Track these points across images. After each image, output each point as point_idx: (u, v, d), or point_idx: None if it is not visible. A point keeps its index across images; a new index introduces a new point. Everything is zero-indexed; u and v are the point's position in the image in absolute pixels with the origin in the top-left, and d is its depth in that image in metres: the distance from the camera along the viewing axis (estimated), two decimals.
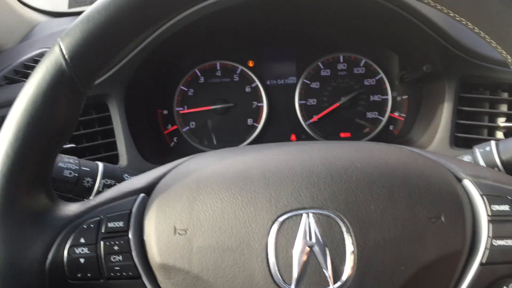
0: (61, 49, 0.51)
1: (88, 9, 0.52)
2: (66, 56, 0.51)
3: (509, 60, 0.52)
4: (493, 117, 1.02)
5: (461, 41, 0.97)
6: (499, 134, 1.01)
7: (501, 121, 1.00)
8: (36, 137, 0.52)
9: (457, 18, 0.52)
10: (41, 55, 1.13)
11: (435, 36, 0.98)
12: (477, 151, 0.75)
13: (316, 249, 0.51)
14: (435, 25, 0.97)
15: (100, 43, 0.52)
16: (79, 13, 1.48)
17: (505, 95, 1.01)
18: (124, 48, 0.55)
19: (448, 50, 0.99)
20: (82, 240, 0.54)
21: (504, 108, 1.01)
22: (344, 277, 0.51)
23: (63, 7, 1.48)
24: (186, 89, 1.24)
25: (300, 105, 1.24)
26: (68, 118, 0.54)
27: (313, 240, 0.52)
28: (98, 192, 0.74)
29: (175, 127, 1.25)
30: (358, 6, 1.01)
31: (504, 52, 0.52)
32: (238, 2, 0.97)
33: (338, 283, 0.51)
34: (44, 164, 0.55)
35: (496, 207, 0.54)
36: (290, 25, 1.17)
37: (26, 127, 0.51)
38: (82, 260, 0.54)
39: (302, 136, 1.24)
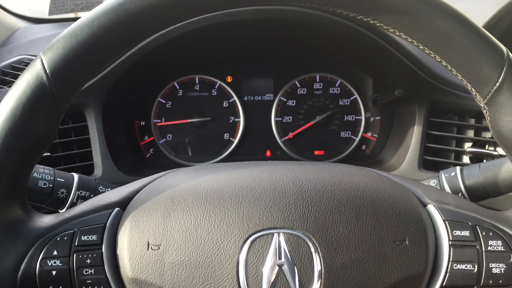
0: (42, 63, 0.52)
1: (72, 25, 0.53)
2: (48, 71, 0.51)
3: (473, 92, 0.55)
4: (460, 141, 1.06)
5: (432, 69, 1.02)
6: (465, 159, 1.05)
7: (468, 146, 1.04)
8: (13, 149, 0.52)
9: (426, 51, 0.55)
10: (20, 62, 1.13)
11: (408, 62, 1.02)
12: (443, 176, 0.78)
13: (285, 268, 0.53)
14: (408, 53, 1.01)
15: (82, 60, 0.52)
16: (59, 20, 1.49)
17: (472, 121, 1.05)
18: (105, 65, 0.56)
19: (419, 76, 1.03)
20: (55, 253, 0.55)
21: (470, 133, 1.05)
22: None
23: (44, 14, 1.47)
24: (164, 101, 1.25)
25: (276, 122, 1.26)
26: (46, 131, 0.54)
27: (283, 259, 0.53)
28: (72, 203, 0.74)
29: (151, 138, 1.25)
30: (335, 32, 1.04)
31: (469, 85, 0.55)
32: (218, 21, 0.99)
33: None
34: (20, 177, 0.55)
35: (457, 232, 0.57)
36: (269, 44, 1.20)
37: (4, 139, 0.51)
38: (54, 273, 0.54)
39: (277, 152, 1.27)
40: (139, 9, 0.51)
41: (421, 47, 0.55)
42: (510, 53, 0.52)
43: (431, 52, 0.55)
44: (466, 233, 0.57)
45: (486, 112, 0.55)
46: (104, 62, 0.55)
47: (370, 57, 1.13)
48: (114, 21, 0.52)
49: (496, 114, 0.54)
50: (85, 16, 0.53)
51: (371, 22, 0.54)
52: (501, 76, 0.52)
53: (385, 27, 0.54)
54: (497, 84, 0.52)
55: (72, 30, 0.52)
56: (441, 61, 0.55)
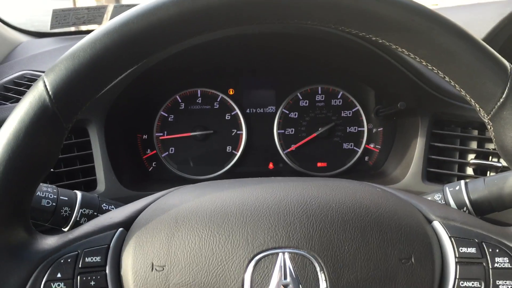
0: (45, 85, 0.52)
1: (74, 46, 0.53)
2: (50, 92, 0.51)
3: (477, 108, 0.55)
4: (463, 153, 1.06)
5: (435, 81, 1.02)
6: (469, 170, 1.05)
7: (471, 158, 1.04)
8: (16, 171, 0.52)
9: (429, 67, 0.55)
10: (22, 77, 1.13)
11: (410, 75, 1.02)
12: (447, 190, 0.77)
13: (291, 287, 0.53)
14: (411, 65, 1.01)
15: (84, 81, 0.52)
16: (60, 34, 1.49)
17: (475, 132, 1.05)
18: (108, 85, 0.56)
19: (421, 89, 1.03)
20: (59, 275, 0.54)
21: (474, 145, 1.05)
22: None
23: (45, 28, 1.48)
24: (166, 115, 1.25)
25: (278, 134, 1.26)
26: (49, 152, 0.54)
27: (288, 279, 0.53)
28: (76, 222, 0.74)
29: (154, 152, 1.25)
30: (337, 45, 1.04)
31: (473, 101, 0.55)
32: (219, 36, 1.00)
33: None
34: (23, 199, 0.55)
35: (463, 249, 0.56)
36: (271, 57, 1.20)
37: (7, 161, 0.51)
38: None
39: (280, 164, 1.27)
40: (141, 29, 0.51)
41: (424, 63, 0.55)
42: None
43: (434, 68, 0.55)
44: (472, 250, 0.56)
45: (490, 128, 0.55)
46: (107, 82, 0.55)
47: (372, 69, 1.13)
48: (116, 42, 0.52)
49: (501, 129, 0.54)
50: (87, 37, 0.53)
51: (374, 39, 0.54)
52: (505, 92, 0.52)
53: (387, 44, 0.54)
54: (501, 100, 0.52)
55: (74, 51, 0.52)
56: (444, 76, 0.55)
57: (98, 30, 0.53)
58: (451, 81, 0.55)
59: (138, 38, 0.52)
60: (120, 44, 0.52)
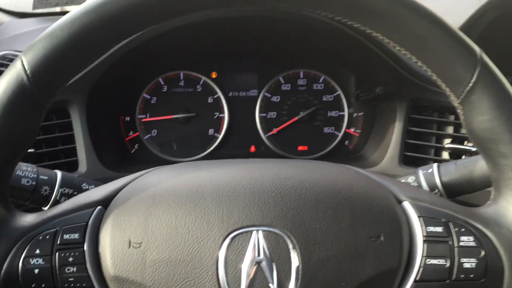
0: (23, 64, 0.52)
1: (52, 25, 0.53)
2: (28, 72, 0.52)
3: (448, 92, 0.56)
4: (440, 138, 1.08)
5: (412, 66, 1.03)
6: (445, 154, 1.07)
7: (447, 142, 1.06)
8: None
9: (403, 52, 0.56)
10: (3, 57, 1.12)
11: (389, 60, 1.03)
12: (421, 172, 0.79)
13: (264, 264, 0.54)
14: (389, 50, 1.02)
15: (62, 60, 0.53)
16: (43, 14, 1.47)
17: (452, 117, 1.07)
18: (87, 65, 0.56)
19: (400, 74, 1.05)
20: (37, 251, 0.55)
21: (450, 130, 1.07)
22: None
23: (28, 8, 1.46)
24: (149, 97, 1.25)
25: (260, 117, 1.27)
26: (27, 131, 0.55)
27: (261, 256, 0.55)
28: (56, 201, 0.74)
29: (136, 134, 1.26)
30: (317, 29, 1.05)
31: (443, 85, 0.56)
32: (202, 19, 1.00)
33: None
34: (1, 177, 0.55)
35: (431, 228, 0.58)
36: (253, 41, 1.21)
37: None
38: (36, 271, 0.55)
39: (261, 148, 1.28)
40: (119, 9, 0.52)
41: (398, 48, 0.56)
42: (483, 54, 0.54)
43: (407, 52, 0.56)
44: (439, 229, 0.58)
45: (460, 111, 0.56)
46: (86, 62, 0.55)
47: (352, 54, 1.14)
48: (94, 21, 0.52)
49: (469, 113, 0.55)
50: (65, 17, 0.53)
51: (349, 23, 0.55)
52: (474, 77, 0.53)
53: (362, 28, 0.56)
54: (470, 85, 0.53)
55: (52, 31, 0.52)
56: (417, 61, 0.56)
57: (76, 9, 0.53)
58: (423, 65, 0.56)
59: (116, 18, 0.52)
60: (98, 24, 0.52)
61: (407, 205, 0.61)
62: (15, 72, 0.52)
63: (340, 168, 0.67)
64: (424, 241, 0.58)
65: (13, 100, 0.52)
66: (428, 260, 0.57)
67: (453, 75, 0.54)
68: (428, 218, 0.59)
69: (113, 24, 0.53)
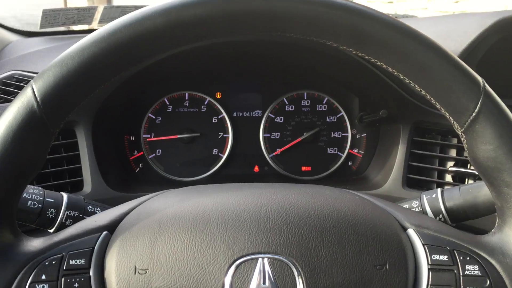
0: (33, 91, 0.53)
1: (62, 54, 0.54)
2: (38, 98, 0.52)
3: (452, 121, 0.57)
4: (443, 160, 1.08)
5: (416, 90, 1.03)
6: (448, 177, 1.07)
7: (450, 165, 1.06)
8: (3, 176, 0.53)
9: (407, 81, 0.57)
10: (11, 77, 1.14)
11: (392, 84, 1.04)
12: (424, 197, 0.80)
13: None
14: (393, 75, 1.02)
15: (72, 88, 0.53)
16: (50, 33, 1.50)
17: (455, 140, 1.08)
18: (95, 91, 0.57)
19: (403, 97, 1.05)
20: (43, 277, 0.56)
21: (453, 153, 1.07)
22: None
23: (35, 27, 1.48)
24: (154, 117, 1.26)
25: (264, 138, 1.28)
26: (36, 157, 0.55)
27: (267, 283, 0.55)
28: (61, 223, 0.75)
29: (141, 153, 1.26)
30: (322, 53, 1.06)
31: (447, 114, 0.57)
32: (208, 43, 1.01)
33: None
34: (9, 201, 0.56)
35: (436, 257, 0.58)
36: (258, 63, 1.22)
37: None
38: None
39: (265, 168, 1.29)
40: (128, 39, 0.53)
41: (401, 77, 0.57)
42: (486, 84, 0.55)
43: (410, 82, 0.57)
44: (444, 257, 0.58)
45: (464, 140, 0.57)
46: (94, 89, 0.56)
47: (356, 78, 1.15)
48: (104, 50, 0.53)
49: (473, 142, 0.56)
50: (75, 45, 0.54)
51: (354, 52, 0.56)
52: (478, 107, 0.54)
53: (366, 57, 0.56)
54: (474, 114, 0.54)
55: (62, 59, 0.53)
56: (420, 90, 0.57)
57: (86, 38, 0.54)
58: (427, 94, 0.57)
59: (125, 47, 0.53)
60: (108, 53, 0.53)
61: (411, 232, 0.62)
62: (25, 98, 0.53)
63: (344, 194, 0.68)
64: (429, 269, 0.58)
65: (23, 127, 0.53)
66: None
67: (456, 105, 0.55)
68: (432, 246, 0.59)
69: (122, 52, 0.54)
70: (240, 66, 1.26)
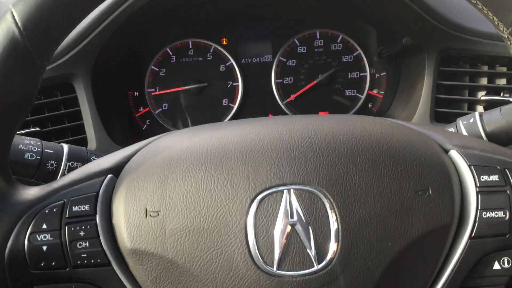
0: (13, 17, 0.46)
1: None
2: (19, 24, 0.46)
3: (495, 22, 0.50)
4: (473, 90, 1.01)
5: (440, 12, 0.95)
6: (479, 108, 1.00)
7: (481, 95, 0.99)
8: None
9: None
10: None
11: (414, 6, 0.96)
12: (461, 123, 0.73)
13: (299, 227, 0.49)
14: None
15: (58, 9, 0.47)
16: None
17: (485, 68, 1.00)
18: (84, 16, 0.50)
19: (427, 22, 0.97)
20: (44, 226, 0.50)
21: (484, 81, 1.00)
22: (328, 256, 0.48)
23: None
24: (157, 69, 1.19)
25: (276, 84, 1.20)
26: (25, 93, 0.50)
27: (295, 218, 0.49)
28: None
29: (147, 109, 1.20)
30: None
31: (490, 14, 0.49)
32: None
33: (323, 263, 0.48)
34: (0, 145, 0.50)
35: (485, 178, 0.52)
36: (264, 3, 1.14)
37: None
38: (44, 248, 0.50)
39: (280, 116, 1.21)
40: None
41: None
42: None
43: None
44: (494, 177, 0.52)
45: (510, 43, 0.50)
46: (84, 11, 0.50)
47: (373, 4, 1.06)
48: None
49: None
50: None
51: None
52: None
53: None
54: None
55: None
56: (476, 3, 0.49)
57: None
58: (483, 7, 0.49)
59: None
60: None
61: (454, 153, 0.55)
62: (5, 26, 0.47)
63: (375, 119, 0.60)
64: (478, 192, 0.52)
65: (6, 58, 0.46)
66: (484, 213, 0.51)
67: (502, 1, 0.47)
68: (480, 167, 0.53)
69: None
70: (246, 8, 1.18)
